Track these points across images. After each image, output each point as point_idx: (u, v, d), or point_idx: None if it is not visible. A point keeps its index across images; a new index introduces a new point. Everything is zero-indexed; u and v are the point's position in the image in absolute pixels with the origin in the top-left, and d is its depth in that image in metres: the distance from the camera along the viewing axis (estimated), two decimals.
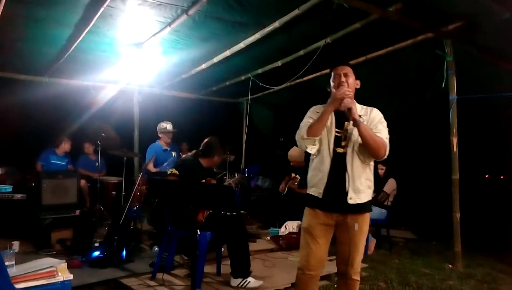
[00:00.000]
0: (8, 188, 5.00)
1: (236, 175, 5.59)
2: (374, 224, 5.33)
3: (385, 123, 2.54)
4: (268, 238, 5.39)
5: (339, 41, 4.55)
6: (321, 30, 4.48)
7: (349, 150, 2.46)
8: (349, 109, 2.37)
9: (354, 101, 2.46)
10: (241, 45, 4.74)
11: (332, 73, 2.60)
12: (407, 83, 5.67)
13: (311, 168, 2.60)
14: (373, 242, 5.23)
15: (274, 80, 6.25)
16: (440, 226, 5.22)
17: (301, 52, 5.07)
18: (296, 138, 2.53)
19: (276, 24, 4.10)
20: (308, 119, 2.53)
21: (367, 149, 2.42)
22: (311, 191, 2.55)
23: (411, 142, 6.09)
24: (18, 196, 4.95)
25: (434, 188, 5.63)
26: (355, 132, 2.44)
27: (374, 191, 5.20)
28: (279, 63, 5.58)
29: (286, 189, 6.06)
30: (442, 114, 4.58)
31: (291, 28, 4.23)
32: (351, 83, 2.52)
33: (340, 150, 2.47)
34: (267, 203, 6.47)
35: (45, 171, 5.81)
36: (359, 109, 2.51)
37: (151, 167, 5.48)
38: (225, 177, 6.36)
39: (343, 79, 2.50)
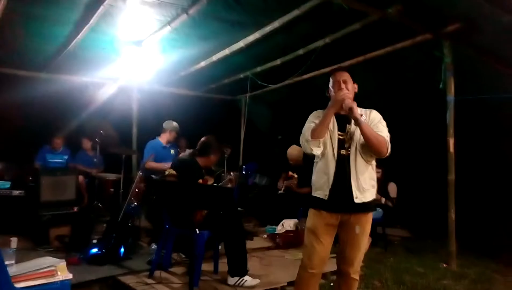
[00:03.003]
0: (7, 184, 4.99)
1: (231, 173, 5.59)
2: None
3: (384, 123, 2.62)
4: (265, 236, 5.42)
5: (338, 41, 4.57)
6: (320, 30, 4.51)
7: (352, 151, 2.53)
8: (351, 109, 2.44)
9: (354, 102, 2.52)
10: (241, 44, 4.76)
11: (331, 79, 2.67)
12: (406, 83, 5.69)
13: (316, 171, 2.66)
14: (368, 240, 5.26)
15: (273, 78, 6.27)
16: (435, 225, 5.25)
17: (301, 52, 5.10)
18: (301, 141, 2.59)
19: (276, 24, 4.12)
20: (310, 123, 2.59)
21: (370, 147, 2.48)
22: (317, 193, 2.60)
23: (408, 142, 6.10)
24: (16, 192, 4.95)
25: (430, 187, 5.66)
26: (357, 133, 2.51)
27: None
28: (278, 62, 5.60)
29: (284, 187, 6.08)
30: (440, 115, 4.60)
31: (290, 28, 4.25)
32: (350, 88, 2.60)
33: (343, 152, 2.53)
34: (264, 201, 6.49)
35: (44, 168, 5.81)
36: (359, 111, 2.55)
37: (150, 164, 5.46)
38: (223, 175, 6.37)
39: (342, 85, 2.57)
